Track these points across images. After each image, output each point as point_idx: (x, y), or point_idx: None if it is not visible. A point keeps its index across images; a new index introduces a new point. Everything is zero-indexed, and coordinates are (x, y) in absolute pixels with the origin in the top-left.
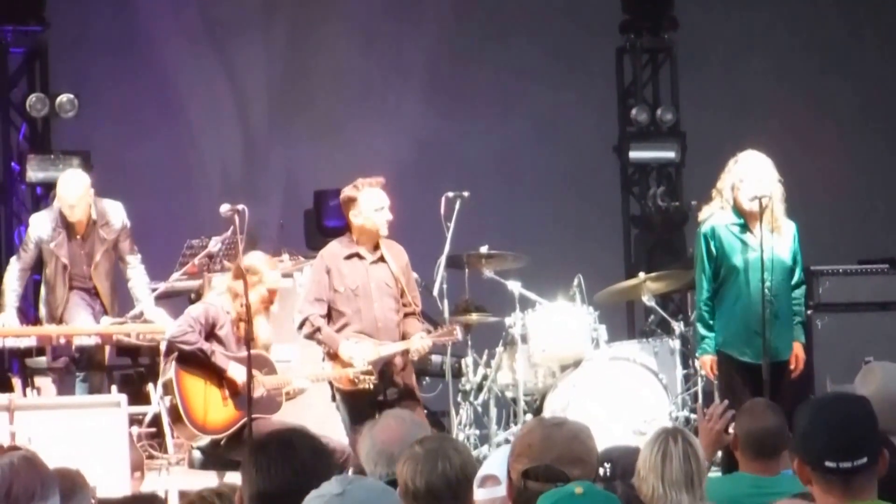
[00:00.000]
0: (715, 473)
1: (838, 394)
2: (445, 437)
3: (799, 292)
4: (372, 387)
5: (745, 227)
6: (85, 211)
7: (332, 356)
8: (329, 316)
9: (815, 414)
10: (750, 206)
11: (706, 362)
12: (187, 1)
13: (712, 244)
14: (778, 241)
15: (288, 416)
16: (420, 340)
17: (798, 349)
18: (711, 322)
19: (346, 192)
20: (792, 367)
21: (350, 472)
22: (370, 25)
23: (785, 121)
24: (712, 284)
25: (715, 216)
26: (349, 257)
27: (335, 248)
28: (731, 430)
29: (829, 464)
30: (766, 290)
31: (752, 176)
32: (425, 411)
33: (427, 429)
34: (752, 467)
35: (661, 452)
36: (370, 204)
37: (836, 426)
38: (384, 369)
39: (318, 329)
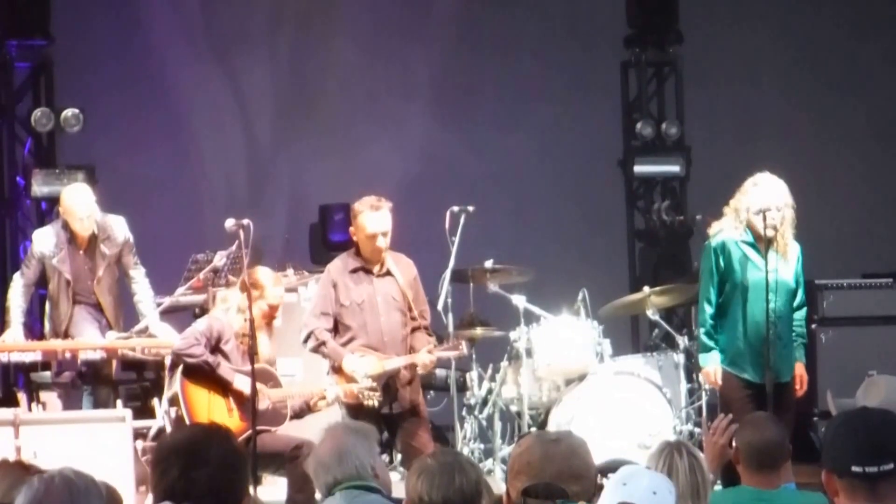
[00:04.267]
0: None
1: (863, 407)
2: (457, 451)
3: (801, 314)
4: (377, 403)
5: (754, 247)
6: (93, 223)
7: (337, 370)
8: (336, 330)
9: (841, 423)
10: (759, 225)
11: (710, 373)
12: (193, 16)
13: (721, 258)
14: (784, 263)
15: (294, 430)
16: (425, 355)
17: (801, 370)
18: (716, 336)
19: (354, 206)
20: (797, 387)
21: None
22: (376, 40)
23: (789, 135)
24: (717, 299)
25: (725, 231)
26: (355, 271)
27: (342, 263)
28: (734, 444)
29: (855, 469)
30: (771, 312)
31: (764, 199)
32: (430, 425)
33: (369, 434)
34: (754, 480)
35: (667, 466)
36: (363, 229)
37: (863, 432)
38: (389, 383)
39: (323, 343)
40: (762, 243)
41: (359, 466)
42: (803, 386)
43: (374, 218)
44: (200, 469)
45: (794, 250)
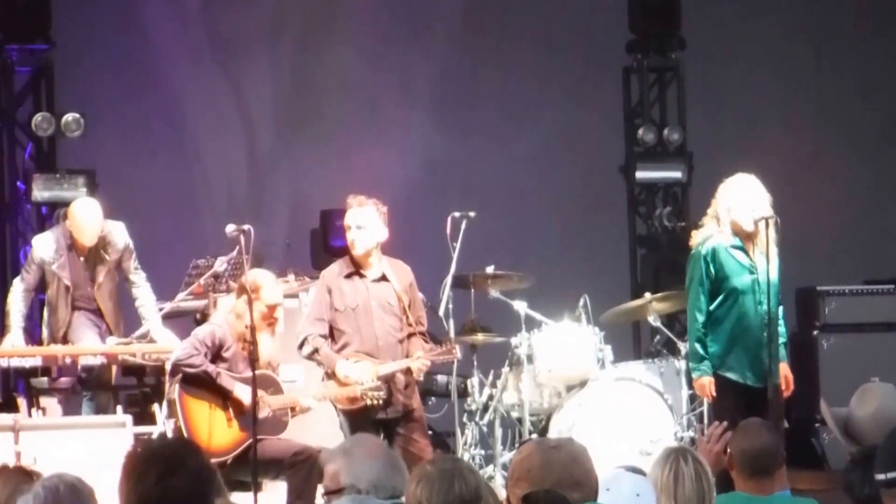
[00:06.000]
0: None
1: None
2: (457, 457)
3: (780, 312)
4: (381, 402)
5: (743, 250)
6: (97, 237)
7: (331, 376)
8: (331, 335)
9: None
10: (752, 226)
11: (705, 384)
12: (194, 19)
13: (712, 266)
14: (771, 264)
15: (293, 435)
16: (418, 360)
17: (786, 370)
18: (707, 345)
19: None
20: (784, 387)
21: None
22: (378, 44)
23: (792, 141)
24: (709, 307)
25: (713, 238)
26: (349, 276)
27: (336, 268)
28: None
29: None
30: (764, 313)
31: (750, 197)
32: (430, 432)
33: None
34: (748, 486)
35: (672, 473)
36: (346, 224)
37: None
38: (386, 388)
39: (317, 349)
40: (750, 244)
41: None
42: (789, 387)
43: (350, 213)
44: (176, 477)
45: (774, 249)
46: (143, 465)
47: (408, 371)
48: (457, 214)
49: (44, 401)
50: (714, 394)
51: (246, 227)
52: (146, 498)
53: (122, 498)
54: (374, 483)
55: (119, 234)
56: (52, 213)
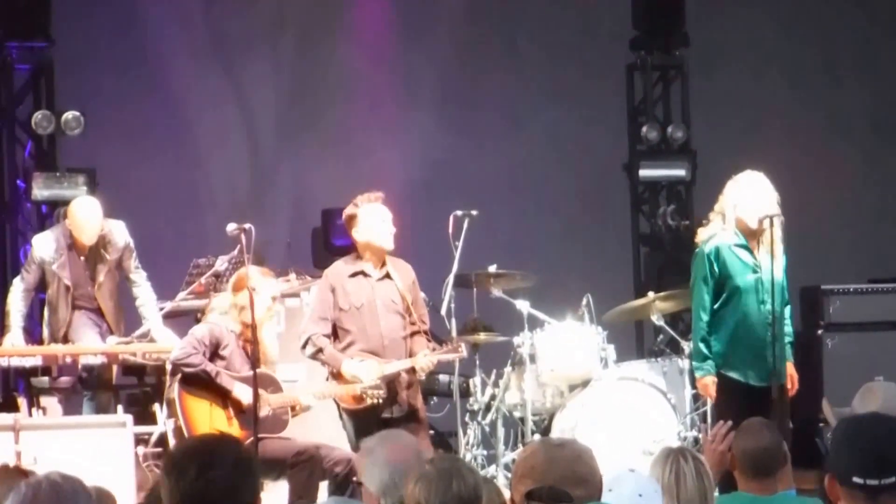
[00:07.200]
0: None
1: (875, 413)
2: (455, 457)
3: (787, 312)
4: (381, 401)
5: (747, 248)
6: (97, 236)
7: (336, 375)
8: (335, 334)
9: (848, 430)
10: (757, 224)
11: (708, 384)
12: (194, 17)
13: (716, 265)
14: (776, 262)
15: (295, 434)
16: (424, 358)
17: (791, 369)
18: (711, 344)
19: (347, 210)
20: (789, 386)
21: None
22: (379, 43)
23: (796, 139)
24: (713, 306)
25: (717, 236)
26: (354, 275)
27: (340, 267)
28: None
29: (856, 479)
30: (768, 312)
31: (756, 195)
32: (432, 431)
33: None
34: (750, 486)
35: (674, 472)
36: (371, 219)
37: (869, 442)
38: (389, 387)
39: (321, 349)
40: (754, 242)
41: None
42: (794, 385)
43: (377, 208)
44: (217, 470)
45: (781, 249)
46: (183, 461)
47: (411, 370)
48: (459, 213)
49: (44, 400)
50: (716, 394)
51: (247, 225)
52: (189, 492)
53: (164, 496)
54: (382, 488)
55: (119, 233)
56: (52, 212)
